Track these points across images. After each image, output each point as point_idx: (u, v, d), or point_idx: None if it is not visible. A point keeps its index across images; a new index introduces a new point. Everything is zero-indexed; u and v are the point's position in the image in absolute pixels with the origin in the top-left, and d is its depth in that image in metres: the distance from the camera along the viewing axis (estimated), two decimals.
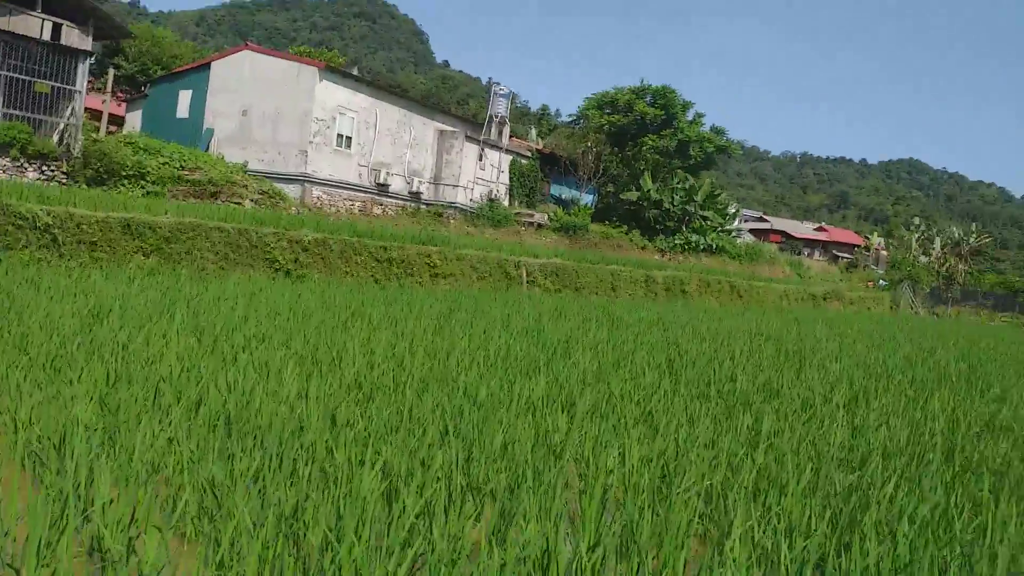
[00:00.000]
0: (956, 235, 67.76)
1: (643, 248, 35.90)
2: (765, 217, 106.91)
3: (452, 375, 5.73)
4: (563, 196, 39.39)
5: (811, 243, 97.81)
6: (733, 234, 46.41)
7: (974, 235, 68.51)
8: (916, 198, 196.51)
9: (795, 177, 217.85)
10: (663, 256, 35.99)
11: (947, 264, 59.71)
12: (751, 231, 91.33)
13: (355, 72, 34.03)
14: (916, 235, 65.73)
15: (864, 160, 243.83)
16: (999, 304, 43.39)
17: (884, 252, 68.72)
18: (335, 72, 27.96)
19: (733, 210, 48.38)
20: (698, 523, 3.58)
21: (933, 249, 63.25)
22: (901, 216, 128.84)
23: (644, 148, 38.39)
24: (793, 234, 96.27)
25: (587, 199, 40.28)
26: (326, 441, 3.75)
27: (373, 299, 10.64)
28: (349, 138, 28.04)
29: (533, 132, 56.17)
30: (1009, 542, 3.33)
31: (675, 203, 37.94)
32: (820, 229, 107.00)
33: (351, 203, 27.85)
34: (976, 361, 12.34)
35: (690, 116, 40.09)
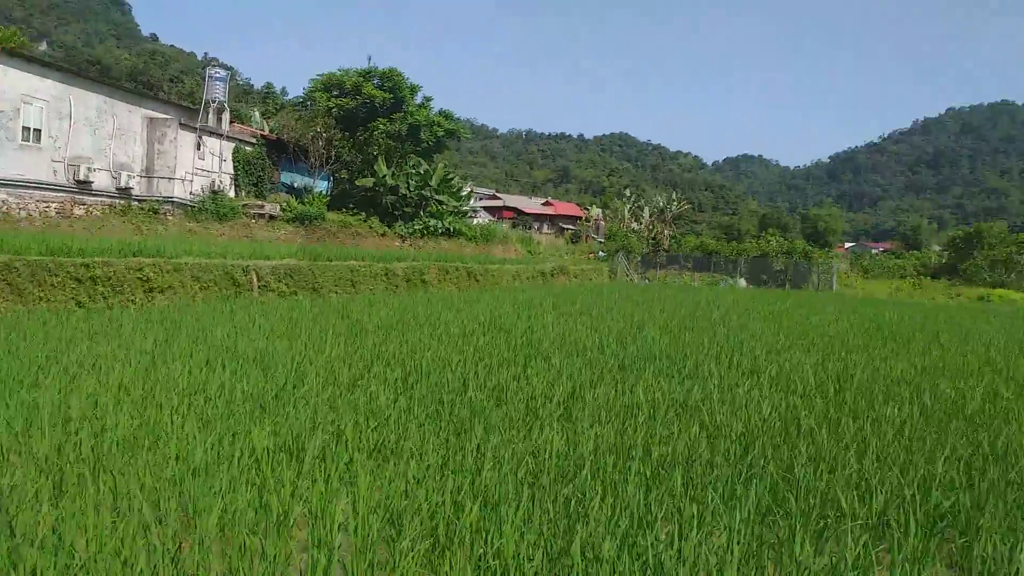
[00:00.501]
0: (661, 203, 76.03)
1: (383, 235, 35.84)
2: (497, 195, 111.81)
3: (165, 432, 5.27)
4: (295, 184, 38.02)
5: (540, 218, 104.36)
6: (469, 215, 47.93)
7: (675, 202, 77.33)
8: (627, 169, 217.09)
9: (522, 153, 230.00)
10: (403, 242, 36.22)
11: (655, 231, 66.82)
12: (486, 208, 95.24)
13: (43, 49, 29.80)
14: (628, 205, 72.62)
15: (582, 135, 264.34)
16: (698, 265, 49.45)
17: (603, 223, 75.18)
18: (16, 55, 24.31)
19: (467, 191, 49.92)
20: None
21: (643, 217, 70.36)
22: (615, 187, 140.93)
23: (376, 132, 38.18)
24: (524, 210, 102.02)
25: (321, 186, 39.27)
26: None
27: (74, 333, 9.46)
28: (38, 131, 24.66)
29: (257, 114, 53.45)
30: (695, 542, 3.79)
31: (411, 188, 38.27)
32: (547, 204, 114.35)
33: (45, 205, 24.55)
34: (677, 330, 13.94)
35: (419, 99, 40.51)
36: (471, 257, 32.83)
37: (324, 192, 38.40)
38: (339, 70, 39.59)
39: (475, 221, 55.72)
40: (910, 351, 12.17)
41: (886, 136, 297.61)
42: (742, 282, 47.37)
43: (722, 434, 6.04)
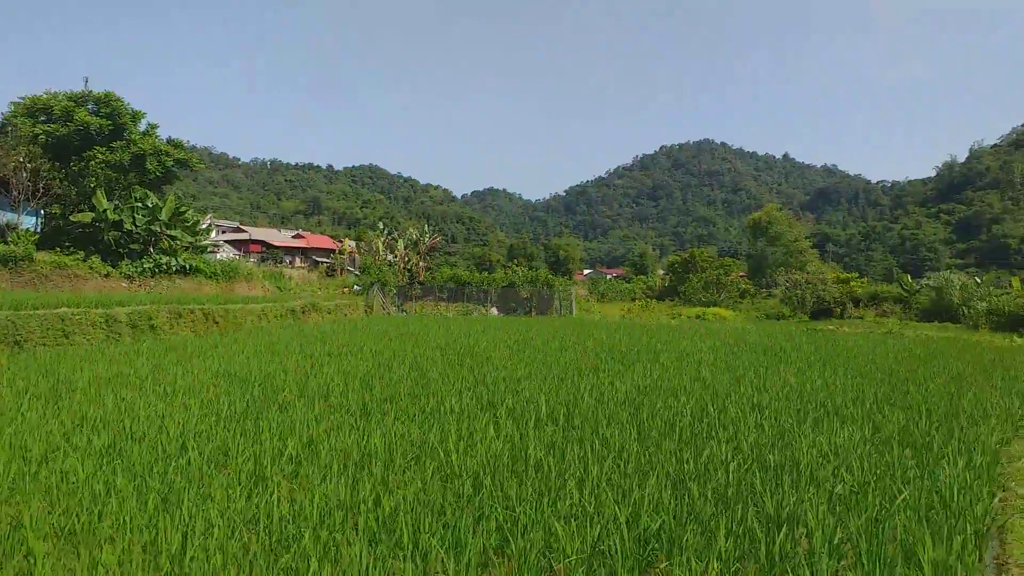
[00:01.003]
0: (415, 235, 76.90)
1: (106, 276, 32.37)
2: (243, 227, 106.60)
3: None
4: None
5: (292, 251, 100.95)
6: (209, 250, 44.97)
7: (428, 234, 78.64)
8: (380, 201, 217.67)
9: (268, 184, 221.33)
10: (131, 283, 32.99)
11: (410, 262, 67.32)
12: (230, 242, 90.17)
13: None
14: (382, 237, 72.50)
15: (331, 166, 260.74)
16: (452, 296, 50.49)
17: (358, 256, 74.30)
18: None
19: (205, 225, 46.86)
20: None
21: (398, 249, 70.60)
22: (370, 219, 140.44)
23: (93, 163, 34.54)
24: (273, 243, 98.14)
25: (28, 223, 34.71)
26: None
27: None
28: None
29: None
30: None
31: (138, 223, 35.07)
32: (298, 236, 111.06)
33: None
34: (426, 365, 13.99)
35: (143, 126, 37.43)
36: (211, 297, 30.68)
37: (32, 229, 33.92)
38: (45, 92, 35.44)
39: (218, 257, 52.45)
40: (634, 373, 13.24)
41: (612, 171, 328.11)
42: (494, 311, 49.12)
43: (456, 474, 6.04)
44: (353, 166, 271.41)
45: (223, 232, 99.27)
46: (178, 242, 37.01)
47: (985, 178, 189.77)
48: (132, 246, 34.87)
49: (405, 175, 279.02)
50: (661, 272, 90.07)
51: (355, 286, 48.07)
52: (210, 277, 37.94)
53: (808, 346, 20.19)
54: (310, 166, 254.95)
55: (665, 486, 5.67)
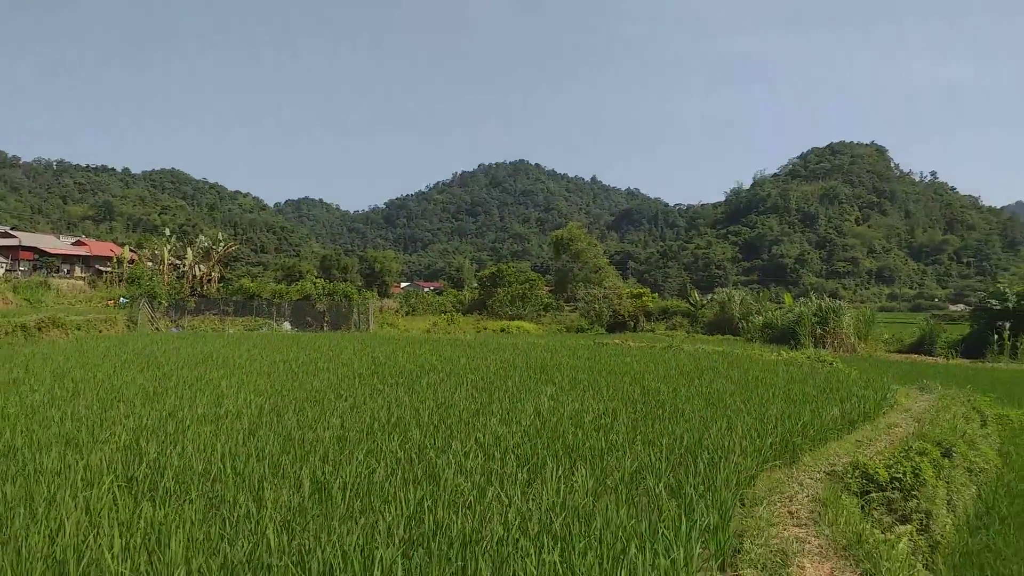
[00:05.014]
0: (206, 243, 71.14)
1: None
2: (11, 232, 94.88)
3: None
4: None
5: (71, 259, 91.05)
6: None
7: (222, 243, 73.09)
8: (182, 207, 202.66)
9: (53, 187, 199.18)
10: None
11: (201, 273, 61.87)
12: None
13: None
14: (167, 245, 66.26)
15: (128, 169, 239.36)
16: (239, 310, 46.50)
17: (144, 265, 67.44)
18: None
19: None
20: None
21: (187, 258, 64.58)
22: (168, 225, 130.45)
23: None
24: (47, 250, 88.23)
25: None
26: None
27: None
28: None
29: None
30: None
31: None
32: (79, 243, 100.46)
33: None
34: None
35: None
36: None
37: None
38: None
39: None
40: (375, 402, 11.50)
41: (432, 186, 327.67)
42: (287, 325, 45.75)
43: None
44: (152, 170, 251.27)
45: None
46: None
47: (766, 203, 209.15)
48: None
49: (211, 181, 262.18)
50: (475, 286, 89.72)
51: (121, 298, 42.86)
52: None
53: (587, 361, 19.35)
54: (103, 168, 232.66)
55: None
